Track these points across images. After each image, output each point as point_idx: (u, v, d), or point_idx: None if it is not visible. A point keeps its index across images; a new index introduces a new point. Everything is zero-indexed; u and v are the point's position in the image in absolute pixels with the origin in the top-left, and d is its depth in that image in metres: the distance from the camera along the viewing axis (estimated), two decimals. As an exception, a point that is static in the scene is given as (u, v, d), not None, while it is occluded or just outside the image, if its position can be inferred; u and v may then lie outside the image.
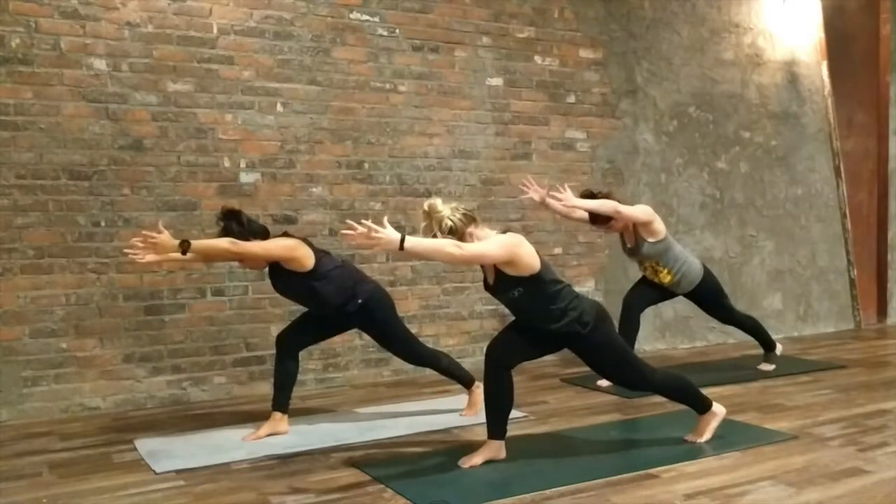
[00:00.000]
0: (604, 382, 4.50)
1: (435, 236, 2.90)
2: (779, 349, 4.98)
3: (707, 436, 3.38)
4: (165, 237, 3.18)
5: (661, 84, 5.88)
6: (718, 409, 3.41)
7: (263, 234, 3.48)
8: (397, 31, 4.94)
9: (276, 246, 3.43)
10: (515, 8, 5.32)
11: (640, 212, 4.33)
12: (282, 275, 3.53)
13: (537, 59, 5.40)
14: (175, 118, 4.38)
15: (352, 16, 4.81)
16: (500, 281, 3.04)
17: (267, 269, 3.63)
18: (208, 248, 3.35)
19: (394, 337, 3.77)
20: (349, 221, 2.81)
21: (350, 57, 4.81)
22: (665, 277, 4.46)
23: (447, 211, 2.93)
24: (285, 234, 3.58)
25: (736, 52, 6.21)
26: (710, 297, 4.65)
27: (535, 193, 4.24)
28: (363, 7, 4.83)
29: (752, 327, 4.91)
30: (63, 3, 4.12)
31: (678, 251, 4.46)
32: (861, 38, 6.76)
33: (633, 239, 4.41)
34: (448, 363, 3.89)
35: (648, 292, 4.61)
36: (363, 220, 2.75)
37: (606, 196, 4.25)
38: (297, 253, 3.45)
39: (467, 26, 5.15)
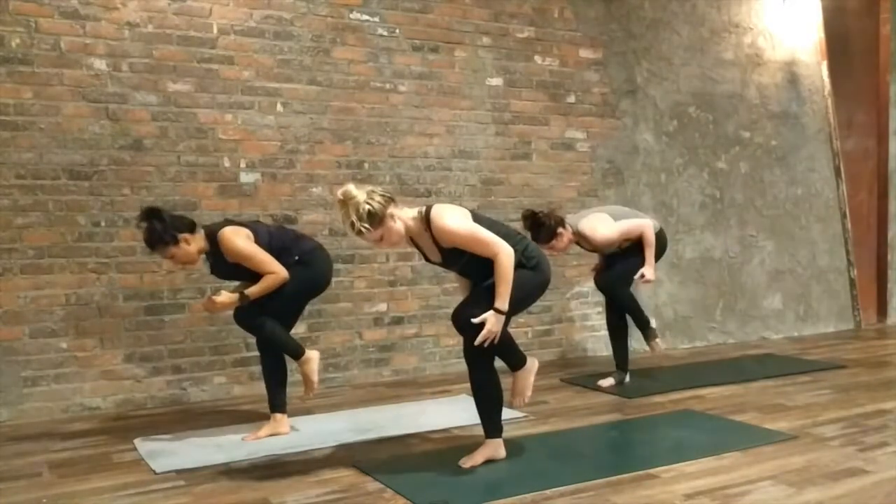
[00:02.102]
0: (605, 382, 4.51)
1: (353, 225, 2.83)
2: (653, 322, 4.74)
3: (528, 393, 3.32)
4: (224, 297, 3.44)
5: (661, 84, 5.88)
6: (532, 364, 3.30)
7: (190, 227, 3.47)
8: (397, 31, 4.94)
9: (259, 251, 3.48)
10: (515, 8, 5.32)
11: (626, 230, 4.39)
12: (221, 261, 3.52)
13: (537, 59, 5.40)
14: (175, 118, 4.38)
15: (352, 16, 4.81)
16: (449, 254, 3.03)
17: (209, 260, 3.60)
18: (263, 291, 3.46)
19: (281, 300, 3.52)
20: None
21: (350, 57, 4.81)
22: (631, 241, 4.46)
23: (363, 196, 2.84)
24: (204, 228, 3.56)
25: (736, 52, 6.21)
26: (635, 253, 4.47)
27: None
28: (363, 7, 4.84)
29: (631, 308, 4.56)
30: (63, 3, 4.12)
31: (631, 222, 4.42)
32: (861, 38, 6.77)
33: (588, 244, 4.43)
34: (283, 336, 3.61)
35: (611, 263, 4.53)
36: None
37: (549, 216, 4.23)
38: (254, 245, 3.49)
39: (467, 26, 5.16)
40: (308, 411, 4.08)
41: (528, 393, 3.32)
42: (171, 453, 3.37)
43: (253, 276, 3.50)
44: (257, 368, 4.50)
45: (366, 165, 4.86)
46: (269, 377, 3.65)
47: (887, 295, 6.96)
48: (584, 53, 5.57)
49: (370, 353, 4.88)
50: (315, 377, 3.65)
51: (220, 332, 4.48)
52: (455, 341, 5.10)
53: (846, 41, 6.68)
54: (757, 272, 6.30)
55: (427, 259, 3.17)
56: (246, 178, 4.55)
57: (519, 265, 3.02)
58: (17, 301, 4.06)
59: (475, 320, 2.92)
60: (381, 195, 2.89)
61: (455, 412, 3.95)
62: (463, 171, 5.16)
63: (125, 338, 4.28)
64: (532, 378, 3.32)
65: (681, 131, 5.97)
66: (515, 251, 3.00)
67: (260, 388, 4.26)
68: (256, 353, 4.39)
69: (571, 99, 5.53)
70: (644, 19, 5.81)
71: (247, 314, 3.53)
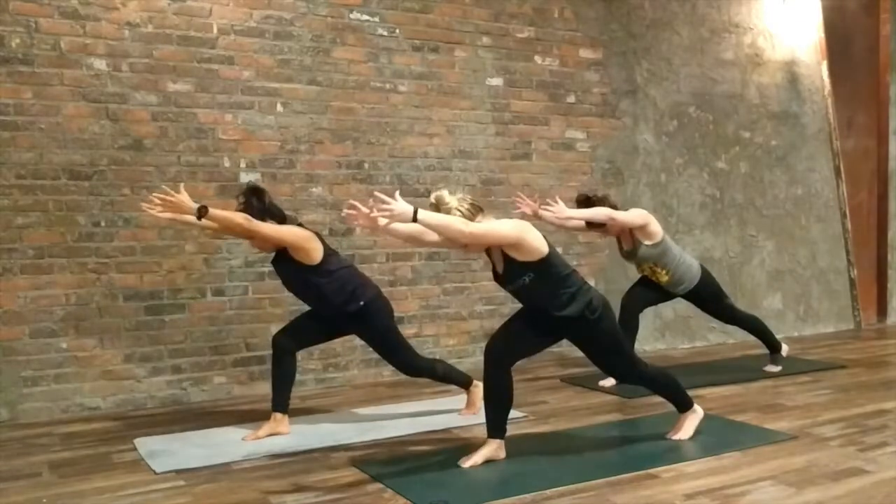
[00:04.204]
0: (606, 382, 4.50)
1: None
2: (785, 350, 4.94)
3: (689, 432, 3.44)
4: (184, 198, 3.26)
5: (661, 84, 5.88)
6: (698, 410, 3.49)
7: (280, 218, 3.52)
8: (397, 31, 4.94)
9: (288, 232, 3.48)
10: (515, 8, 5.32)
11: (636, 216, 4.31)
12: (285, 261, 3.56)
13: (537, 59, 5.40)
14: (175, 118, 4.38)
15: (352, 16, 4.81)
16: (510, 268, 3.04)
17: (273, 254, 3.64)
18: (223, 218, 3.35)
19: (392, 345, 3.74)
20: (352, 202, 2.93)
21: (350, 57, 4.81)
22: (663, 278, 4.46)
23: (454, 202, 2.95)
24: (300, 225, 3.62)
25: (736, 52, 6.21)
26: (709, 298, 4.63)
27: (527, 207, 4.24)
28: (363, 7, 4.84)
29: (755, 328, 4.88)
30: (63, 3, 4.12)
31: (676, 252, 4.44)
32: (861, 38, 6.77)
33: (630, 242, 4.40)
34: (444, 370, 3.87)
35: (646, 293, 4.60)
36: (376, 193, 2.77)
37: (602, 200, 4.25)
38: (308, 244, 3.48)
39: (467, 26, 5.16)
40: (308, 411, 4.08)
41: (691, 431, 3.48)
42: (171, 453, 3.37)
43: (310, 288, 3.57)
44: (257, 368, 4.52)
45: (366, 165, 4.86)
46: (277, 377, 3.65)
47: (887, 295, 6.96)
48: (584, 53, 5.57)
49: (370, 353, 4.86)
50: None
51: (220, 332, 4.49)
52: (455, 341, 5.11)
53: (846, 41, 6.68)
54: (757, 272, 6.30)
55: (496, 277, 3.19)
56: (246, 178, 4.54)
57: (582, 317, 3.12)
58: (17, 301, 4.06)
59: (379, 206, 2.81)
60: (470, 203, 2.99)
61: (455, 412, 3.95)
62: (463, 171, 5.16)
63: (125, 338, 4.28)
64: (697, 422, 3.48)
65: (681, 131, 5.97)
66: (578, 301, 3.11)
67: (260, 388, 4.28)
68: (256, 354, 4.41)
69: (571, 99, 5.53)
70: (644, 19, 5.81)
71: (407, 367, 3.75)
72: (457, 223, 2.85)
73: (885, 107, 6.83)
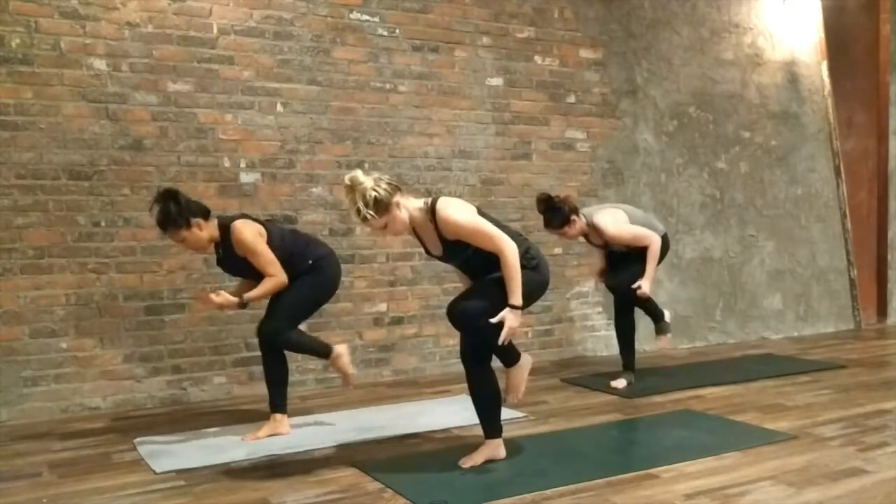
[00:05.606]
0: (617, 383, 4.46)
1: (358, 211, 2.84)
2: (668, 315, 4.72)
3: (522, 388, 3.36)
4: (224, 300, 3.39)
5: (661, 84, 5.88)
6: (525, 361, 3.32)
7: (204, 213, 3.45)
8: (397, 31, 4.94)
9: (266, 249, 3.46)
10: (515, 8, 5.32)
11: (634, 227, 4.35)
12: (231, 259, 3.51)
13: (537, 59, 5.40)
14: (175, 118, 4.38)
15: (352, 16, 4.81)
16: (452, 248, 3.01)
17: (218, 251, 3.56)
18: (264, 294, 3.49)
19: (293, 307, 3.56)
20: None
21: (350, 57, 4.81)
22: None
23: (370, 182, 2.84)
24: (222, 218, 3.54)
25: (736, 52, 6.21)
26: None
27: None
28: (363, 7, 4.84)
29: (645, 304, 4.64)
30: (63, 3, 4.12)
31: (640, 221, 4.41)
32: (861, 38, 6.77)
33: (598, 237, 4.39)
34: (308, 342, 3.68)
35: (619, 274, 4.49)
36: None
37: (564, 200, 4.25)
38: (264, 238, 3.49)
39: (467, 26, 5.16)
40: (308, 411, 4.08)
41: (522, 389, 3.35)
42: (171, 453, 3.37)
43: (259, 275, 3.49)
44: (257, 368, 4.51)
45: (366, 165, 4.85)
46: (271, 377, 3.65)
47: (887, 295, 6.96)
48: (584, 53, 5.57)
49: (370, 353, 4.88)
50: (350, 369, 3.74)
51: (220, 332, 4.48)
52: (455, 341, 5.08)
53: (846, 41, 6.68)
54: (757, 272, 6.30)
55: (428, 252, 3.17)
56: (246, 178, 4.55)
57: (520, 266, 3.02)
58: (17, 301, 4.06)
59: (493, 320, 2.91)
60: (387, 183, 2.90)
61: (455, 412, 3.95)
62: (463, 171, 5.16)
63: (125, 338, 4.28)
64: (526, 375, 3.34)
65: (681, 131, 5.97)
66: (519, 254, 3.00)
67: (260, 388, 4.27)
68: (256, 353, 4.38)
69: (571, 99, 5.53)
70: (644, 19, 5.81)
71: (272, 333, 3.53)
72: (510, 260, 2.91)
73: (885, 107, 6.84)
